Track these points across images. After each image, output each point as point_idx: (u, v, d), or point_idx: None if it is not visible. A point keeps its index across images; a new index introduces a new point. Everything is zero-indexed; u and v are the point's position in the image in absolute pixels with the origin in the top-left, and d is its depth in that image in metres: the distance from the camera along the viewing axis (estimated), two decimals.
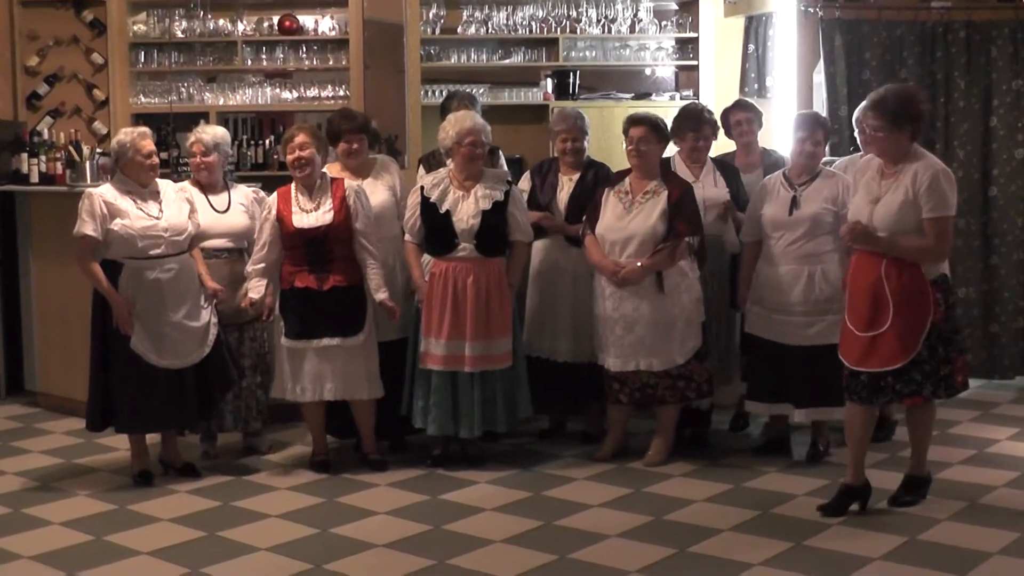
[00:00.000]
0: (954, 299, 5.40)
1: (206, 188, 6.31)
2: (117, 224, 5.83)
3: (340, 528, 5.35)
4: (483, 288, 6.08)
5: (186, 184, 6.34)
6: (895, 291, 5.20)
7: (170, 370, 5.91)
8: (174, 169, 7.50)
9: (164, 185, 6.10)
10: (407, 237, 6.23)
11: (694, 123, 6.48)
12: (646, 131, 6.16)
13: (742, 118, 6.71)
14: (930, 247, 5.21)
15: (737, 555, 4.94)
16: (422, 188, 6.19)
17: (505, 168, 6.81)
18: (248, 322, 6.29)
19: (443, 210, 6.10)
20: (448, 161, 6.28)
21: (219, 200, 6.30)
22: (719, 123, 6.69)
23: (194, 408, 6.05)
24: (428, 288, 6.10)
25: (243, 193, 6.44)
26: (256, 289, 6.05)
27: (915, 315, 5.19)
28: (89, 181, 7.41)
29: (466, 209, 6.10)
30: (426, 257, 6.22)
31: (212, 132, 6.41)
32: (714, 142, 6.63)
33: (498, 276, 6.15)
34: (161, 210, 5.95)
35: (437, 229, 6.13)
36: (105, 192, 5.92)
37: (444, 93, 7.89)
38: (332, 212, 6.06)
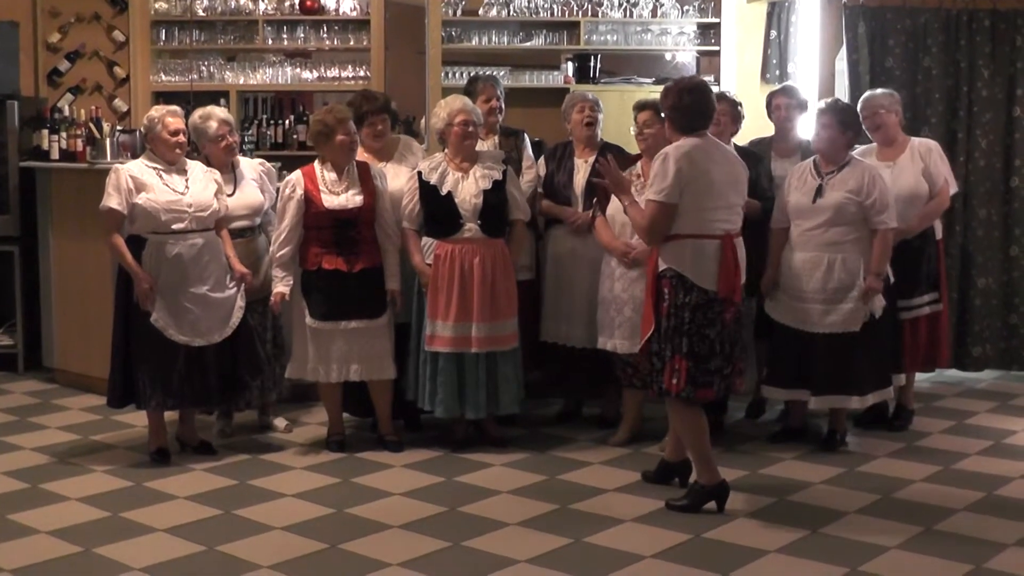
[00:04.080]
0: (688, 301, 5.13)
1: (221, 168, 6.27)
2: (142, 198, 5.85)
3: (356, 508, 5.37)
4: (489, 269, 6.08)
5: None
6: (647, 275, 5.35)
7: (190, 348, 5.93)
8: (194, 148, 7.48)
9: (193, 164, 6.11)
10: (405, 224, 6.21)
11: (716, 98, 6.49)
12: (650, 115, 6.18)
13: (781, 103, 6.72)
14: (636, 224, 5.33)
15: (752, 542, 4.94)
16: (419, 173, 6.19)
17: (530, 152, 6.80)
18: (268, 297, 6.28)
19: (444, 192, 6.10)
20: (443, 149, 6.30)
21: (225, 180, 6.25)
22: (742, 110, 6.65)
23: (215, 389, 6.06)
24: (433, 271, 6.09)
25: (251, 167, 6.43)
26: (285, 282, 6.05)
27: (648, 304, 5.27)
28: (109, 158, 7.44)
29: (467, 189, 6.11)
30: (426, 240, 6.21)
31: (224, 112, 6.42)
32: (736, 129, 6.59)
33: (503, 256, 6.15)
34: (187, 186, 5.97)
35: (440, 212, 6.12)
36: (132, 167, 5.96)
37: (464, 75, 7.88)
38: (362, 195, 6.07)
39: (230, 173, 6.30)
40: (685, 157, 5.12)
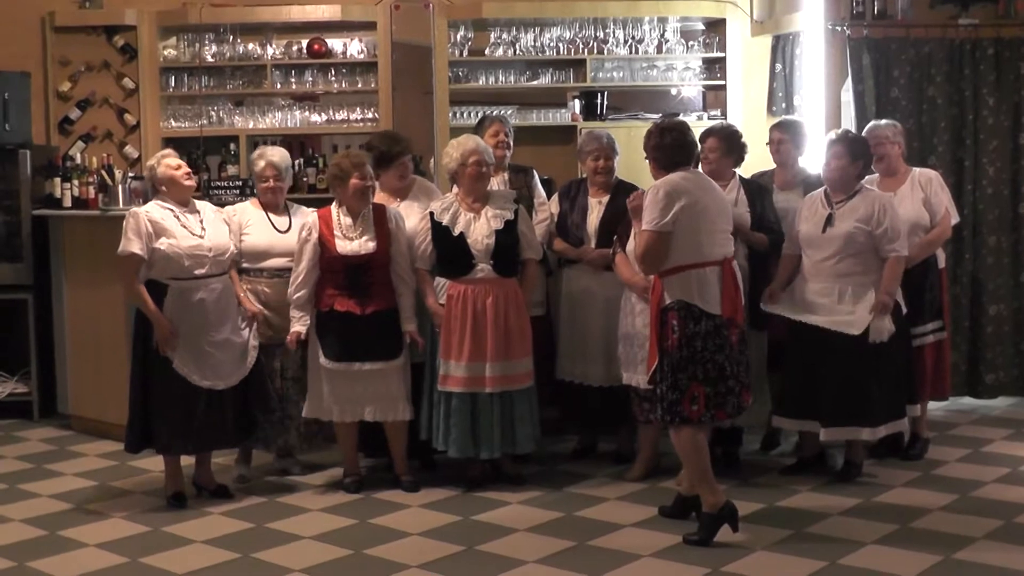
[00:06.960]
0: (698, 329, 5.27)
1: (269, 208, 6.38)
2: (163, 243, 5.85)
3: (373, 549, 5.36)
4: (502, 308, 6.10)
5: (248, 204, 6.44)
6: (650, 309, 5.46)
7: (211, 391, 5.95)
8: (205, 192, 7.55)
9: (202, 205, 6.17)
10: (418, 264, 6.24)
11: (705, 133, 6.50)
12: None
13: (775, 136, 6.72)
14: (635, 255, 5.61)
15: (771, 574, 4.94)
16: (432, 213, 6.22)
17: (541, 189, 6.82)
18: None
19: (456, 233, 6.13)
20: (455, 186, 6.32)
21: (281, 221, 6.37)
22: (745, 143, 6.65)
23: (232, 429, 6.08)
24: (446, 311, 6.12)
25: (305, 214, 6.44)
26: (302, 322, 6.10)
27: (655, 336, 5.37)
28: (121, 205, 7.49)
29: (479, 229, 6.13)
30: (438, 281, 6.24)
31: (281, 155, 6.49)
32: (731, 161, 6.56)
33: (515, 296, 6.17)
34: (204, 229, 6.01)
35: (452, 252, 6.15)
36: (151, 210, 5.95)
37: (472, 115, 7.91)
38: (375, 240, 6.10)
39: (285, 215, 6.40)
40: (675, 187, 5.31)
